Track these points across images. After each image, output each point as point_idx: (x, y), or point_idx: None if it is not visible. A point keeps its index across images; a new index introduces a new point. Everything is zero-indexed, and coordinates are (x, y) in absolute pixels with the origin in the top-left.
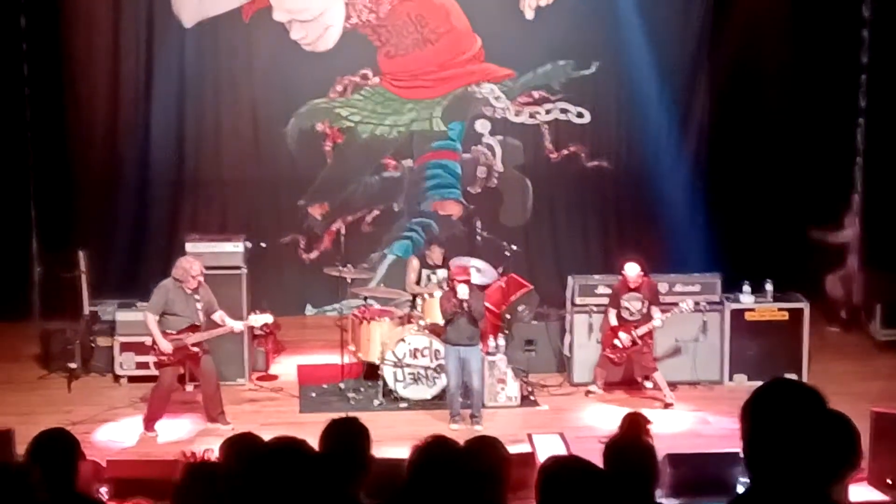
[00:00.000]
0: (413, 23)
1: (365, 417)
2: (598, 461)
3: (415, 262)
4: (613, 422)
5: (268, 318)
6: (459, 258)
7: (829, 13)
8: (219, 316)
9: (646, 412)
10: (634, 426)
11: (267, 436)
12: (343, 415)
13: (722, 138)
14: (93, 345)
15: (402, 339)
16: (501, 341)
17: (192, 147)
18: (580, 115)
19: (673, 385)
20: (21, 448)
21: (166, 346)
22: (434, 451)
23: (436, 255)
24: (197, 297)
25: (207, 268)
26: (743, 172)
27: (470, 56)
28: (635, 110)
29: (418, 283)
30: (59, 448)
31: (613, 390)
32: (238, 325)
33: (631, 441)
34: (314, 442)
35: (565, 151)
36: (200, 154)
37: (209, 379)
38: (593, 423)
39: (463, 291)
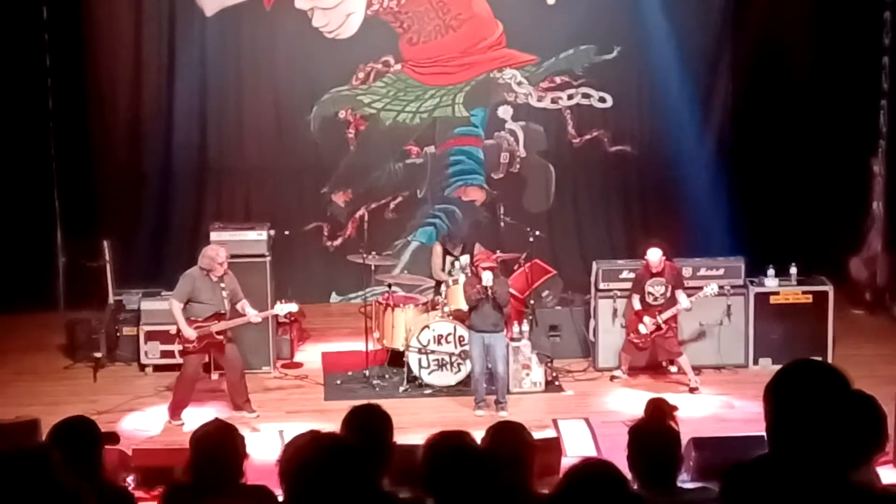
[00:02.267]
0: (434, 9)
1: (390, 404)
2: (623, 446)
3: (438, 249)
4: (638, 406)
5: (293, 307)
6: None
7: None
8: (241, 305)
9: (670, 397)
10: (659, 411)
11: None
12: (366, 402)
13: (745, 121)
14: (118, 334)
15: (427, 326)
16: (526, 327)
17: (214, 136)
18: (602, 100)
19: (697, 369)
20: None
21: (191, 332)
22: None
23: (454, 249)
24: (223, 284)
25: (231, 256)
26: (766, 155)
27: (492, 42)
28: (658, 94)
29: (443, 269)
30: (80, 435)
31: (638, 375)
32: (254, 316)
33: (655, 426)
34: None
35: (588, 136)
36: (223, 143)
37: (234, 367)
38: (618, 407)
39: (487, 278)
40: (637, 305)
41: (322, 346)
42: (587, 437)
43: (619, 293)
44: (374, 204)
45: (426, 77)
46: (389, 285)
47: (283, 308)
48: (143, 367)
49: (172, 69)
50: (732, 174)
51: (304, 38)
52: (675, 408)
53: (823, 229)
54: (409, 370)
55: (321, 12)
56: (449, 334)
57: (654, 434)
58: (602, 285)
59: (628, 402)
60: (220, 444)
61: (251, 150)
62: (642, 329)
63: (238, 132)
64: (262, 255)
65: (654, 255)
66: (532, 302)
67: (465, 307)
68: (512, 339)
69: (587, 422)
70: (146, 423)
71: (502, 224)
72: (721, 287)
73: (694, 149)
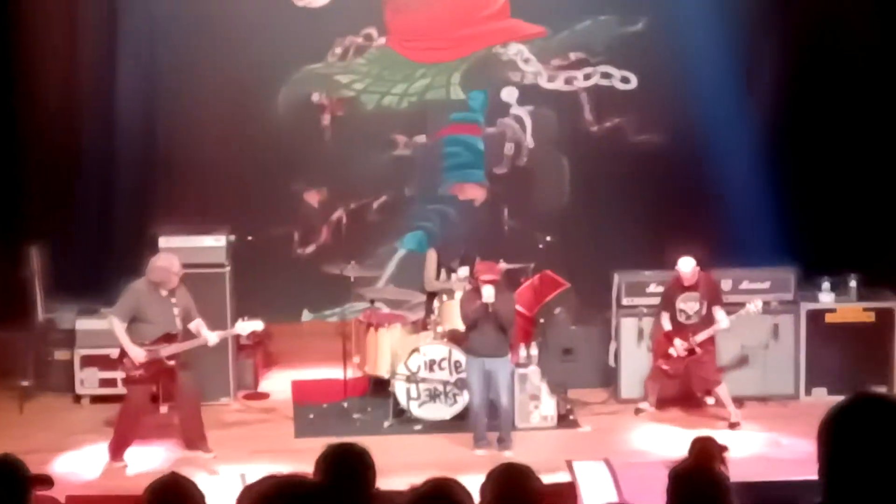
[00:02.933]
0: None
1: (372, 442)
2: (650, 491)
3: (432, 255)
4: (668, 445)
5: (257, 326)
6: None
7: None
8: (195, 325)
9: (707, 433)
10: (706, 453)
11: (257, 465)
12: (345, 439)
13: (796, 106)
14: (48, 358)
15: (417, 349)
16: (534, 350)
17: (164, 123)
18: (625, 81)
19: (739, 401)
20: None
21: (138, 353)
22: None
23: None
24: (174, 300)
25: (184, 266)
26: (820, 147)
27: (494, 11)
28: (691, 74)
29: (437, 279)
30: (4, 478)
31: (668, 408)
32: (213, 338)
33: (702, 471)
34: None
35: (608, 124)
36: (174, 131)
37: (188, 398)
38: (645, 446)
39: (488, 293)
40: (667, 325)
41: (292, 373)
42: (608, 482)
43: (645, 310)
44: (353, 204)
45: (415, 53)
46: (372, 301)
47: (246, 327)
48: (78, 397)
49: (114, 44)
50: (780, 168)
51: (269, 7)
52: (725, 448)
53: (888, 235)
54: (396, 402)
55: None
56: (443, 359)
57: (701, 480)
58: (625, 301)
59: (657, 440)
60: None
61: (208, 140)
62: (673, 353)
63: (192, 118)
64: (221, 265)
65: (687, 265)
66: (542, 320)
67: (461, 327)
68: (518, 365)
69: (607, 463)
70: (82, 465)
71: (506, 228)
72: (767, 303)
73: (735, 138)
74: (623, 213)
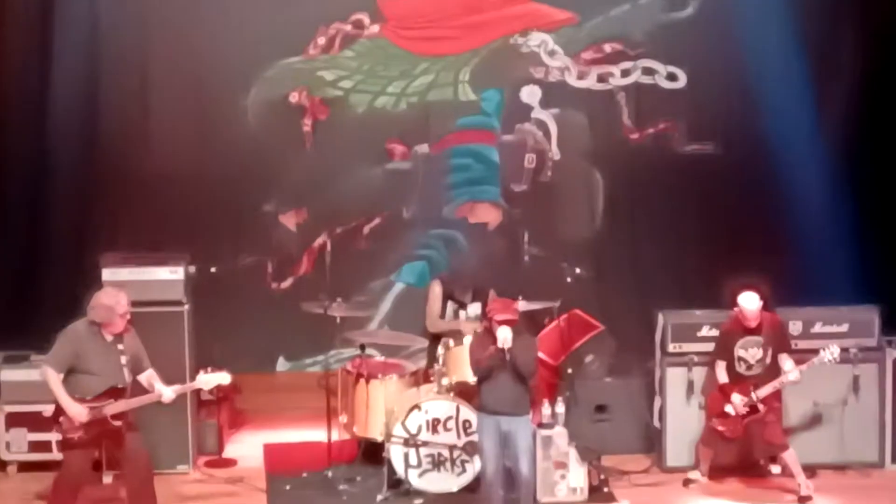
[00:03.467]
0: None
1: None
2: None
3: (437, 290)
4: None
5: (222, 378)
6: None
7: None
8: (146, 377)
9: None
10: None
11: None
12: None
13: (881, 111)
14: None
15: (417, 406)
16: (560, 408)
17: (110, 131)
18: (672, 78)
19: (811, 470)
20: None
21: (78, 410)
22: None
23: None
24: (121, 346)
25: (134, 304)
26: None
27: None
28: (751, 69)
29: (443, 317)
30: None
31: (724, 478)
32: (168, 393)
33: None
34: None
35: (651, 130)
36: (122, 141)
37: (137, 466)
38: None
39: (504, 336)
40: (723, 377)
41: (264, 436)
42: None
43: (696, 358)
44: (339, 228)
45: (416, 44)
46: (362, 346)
47: (209, 380)
48: (3, 464)
49: (48, 38)
50: (861, 188)
51: None
52: None
53: None
54: (392, 470)
55: None
56: (449, 418)
57: None
58: (672, 347)
59: None
60: None
61: (162, 152)
62: (730, 411)
63: (143, 126)
64: (178, 303)
65: (750, 303)
66: (570, 371)
67: (472, 379)
68: (541, 426)
69: None
70: None
71: (526, 258)
72: (845, 350)
73: (805, 150)
74: (669, 240)
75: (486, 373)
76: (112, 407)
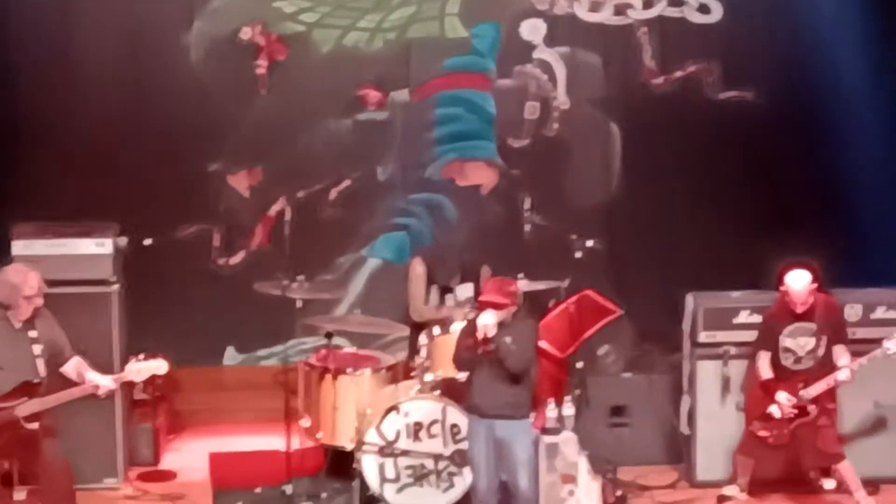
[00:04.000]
0: None
1: None
2: None
3: (419, 269)
4: None
5: (158, 367)
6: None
7: None
8: (73, 366)
9: None
10: None
11: None
12: None
13: None
14: None
15: (395, 408)
16: (568, 409)
17: (22, 81)
18: (704, 10)
19: (872, 484)
20: None
21: None
22: None
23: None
24: (32, 334)
25: (51, 282)
26: None
27: None
28: (801, 1)
29: (427, 302)
30: None
31: (767, 494)
32: (106, 382)
33: None
34: None
35: (679, 74)
36: (38, 92)
37: (56, 480)
38: None
39: (485, 322)
40: (766, 371)
41: (210, 443)
42: None
43: (733, 350)
44: (301, 192)
45: None
46: (329, 335)
47: (141, 370)
48: None
49: None
50: None
51: None
52: None
53: None
54: (364, 486)
55: None
56: (434, 422)
57: None
58: (703, 336)
59: None
60: None
61: (87, 101)
62: (775, 412)
63: (64, 69)
64: (106, 282)
65: (798, 282)
66: (580, 365)
67: (462, 375)
68: (545, 431)
69: None
70: None
71: (528, 228)
72: None
73: (865, 100)
74: (700, 207)
75: (468, 367)
76: (24, 407)
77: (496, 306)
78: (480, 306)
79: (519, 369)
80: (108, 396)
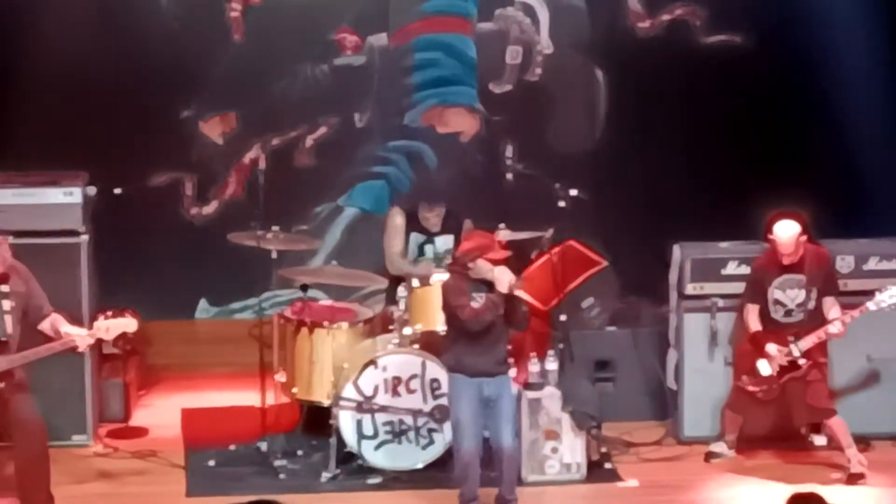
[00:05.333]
0: None
1: (303, 503)
2: None
3: (398, 220)
4: None
5: (127, 325)
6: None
7: None
8: (49, 323)
9: (812, 490)
10: None
11: None
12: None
13: None
14: None
15: (373, 362)
16: (552, 364)
17: None
18: None
19: (864, 441)
20: None
21: None
22: None
23: (432, 219)
24: (3, 289)
25: (19, 234)
26: None
27: None
28: None
29: (405, 255)
30: None
31: (756, 451)
32: (82, 334)
33: None
34: None
35: (666, 17)
36: (4, 36)
37: (28, 437)
38: None
39: (510, 276)
40: (755, 324)
41: (181, 399)
42: None
43: (721, 302)
44: (276, 139)
45: None
46: (304, 287)
47: (110, 328)
48: None
49: None
50: None
51: None
52: None
53: None
54: (341, 442)
55: None
56: (413, 377)
57: None
58: (690, 288)
59: (740, 499)
60: None
61: (53, 44)
62: (764, 367)
63: (30, 15)
64: (74, 233)
65: (786, 232)
66: (563, 318)
67: (441, 328)
68: (527, 386)
69: None
70: None
71: (510, 176)
72: None
73: (859, 44)
74: (688, 155)
75: (485, 326)
76: None
77: (502, 261)
78: (493, 263)
79: (523, 328)
80: (84, 351)
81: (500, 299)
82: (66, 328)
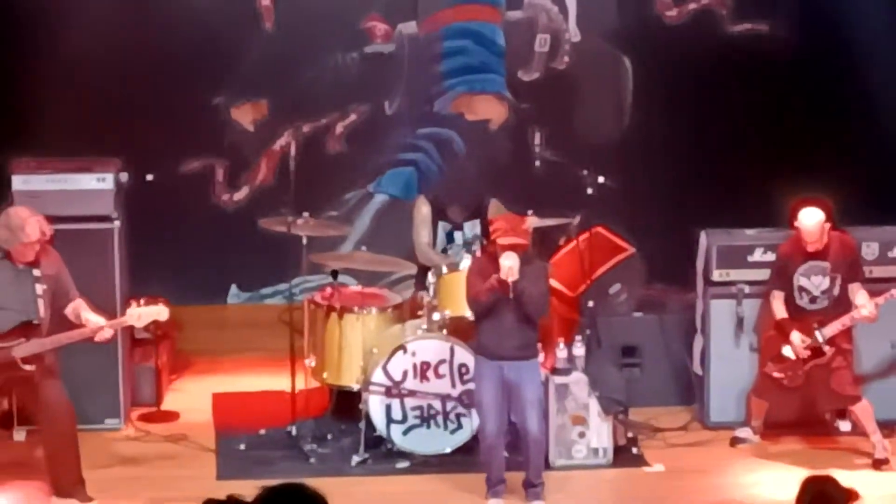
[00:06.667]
0: None
1: (334, 486)
2: None
3: (423, 210)
4: (781, 493)
5: (158, 313)
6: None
7: None
8: (73, 309)
9: (841, 476)
10: (824, 501)
11: None
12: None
13: None
14: None
15: (402, 347)
16: (579, 349)
17: (24, 14)
18: None
19: (888, 426)
20: None
21: None
22: None
23: (457, 213)
24: (36, 273)
25: (52, 219)
26: None
27: None
28: None
29: (432, 244)
30: None
31: (781, 437)
32: (101, 322)
33: None
34: None
35: (693, 6)
36: (35, 20)
37: (57, 420)
38: (745, 495)
39: (510, 265)
40: (780, 311)
41: (212, 383)
42: None
43: (747, 289)
44: (306, 126)
45: None
46: (335, 273)
47: (142, 315)
48: None
49: None
50: None
51: None
52: (854, 496)
53: None
54: (371, 426)
55: None
56: (442, 362)
57: None
58: (716, 275)
59: (765, 485)
60: None
61: (87, 32)
62: (789, 354)
63: (65, 3)
64: (107, 218)
65: (811, 219)
66: (591, 304)
67: (469, 314)
68: (554, 372)
69: None
70: None
71: (538, 163)
72: None
73: (884, 30)
74: (714, 143)
75: (486, 310)
76: (21, 349)
77: (518, 248)
78: (501, 248)
79: (540, 316)
80: (105, 342)
81: (500, 284)
82: (87, 314)
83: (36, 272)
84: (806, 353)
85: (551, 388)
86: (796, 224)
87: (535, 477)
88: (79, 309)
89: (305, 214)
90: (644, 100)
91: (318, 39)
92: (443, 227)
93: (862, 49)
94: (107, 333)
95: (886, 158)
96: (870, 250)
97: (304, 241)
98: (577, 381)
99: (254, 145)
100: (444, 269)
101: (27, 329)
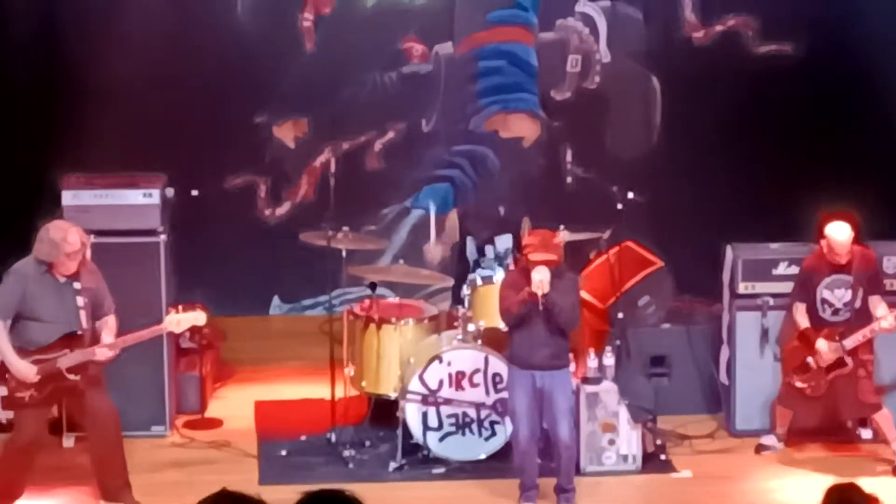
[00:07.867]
0: None
1: (372, 491)
2: None
3: (451, 216)
4: (804, 499)
5: (196, 318)
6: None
7: None
8: (100, 324)
9: (863, 483)
10: None
11: None
12: (332, 486)
13: None
14: None
15: (438, 357)
16: (609, 359)
17: (70, 29)
18: None
19: None
20: None
21: (26, 370)
22: None
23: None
24: (77, 286)
25: (100, 233)
26: None
27: None
28: None
29: (461, 255)
30: None
31: (805, 444)
32: (102, 350)
33: None
34: None
35: (720, 27)
36: (85, 41)
37: (103, 428)
38: (769, 501)
39: (540, 278)
40: (804, 322)
41: (255, 391)
42: None
43: (771, 301)
44: (346, 143)
45: None
46: (373, 285)
47: (180, 321)
48: None
49: None
50: None
51: None
52: (875, 501)
53: None
54: (407, 433)
55: None
56: (476, 371)
57: None
58: (743, 287)
59: (789, 491)
60: None
61: (134, 53)
62: (812, 363)
63: (111, 23)
64: (154, 232)
65: (841, 234)
66: (620, 315)
67: (503, 325)
68: (585, 381)
69: None
70: None
71: (569, 180)
72: None
73: None
74: (740, 159)
75: (518, 321)
76: (67, 359)
77: (550, 263)
78: (534, 262)
79: (571, 327)
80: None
81: (530, 297)
82: (106, 337)
83: (76, 285)
84: (829, 363)
85: (582, 396)
86: (825, 238)
87: (566, 482)
88: (101, 327)
89: (345, 228)
90: (672, 118)
91: (357, 60)
92: (473, 241)
93: (885, 69)
94: (108, 354)
95: None
96: (890, 264)
97: (344, 254)
98: (608, 389)
99: (295, 162)
100: (479, 282)
101: (71, 340)
